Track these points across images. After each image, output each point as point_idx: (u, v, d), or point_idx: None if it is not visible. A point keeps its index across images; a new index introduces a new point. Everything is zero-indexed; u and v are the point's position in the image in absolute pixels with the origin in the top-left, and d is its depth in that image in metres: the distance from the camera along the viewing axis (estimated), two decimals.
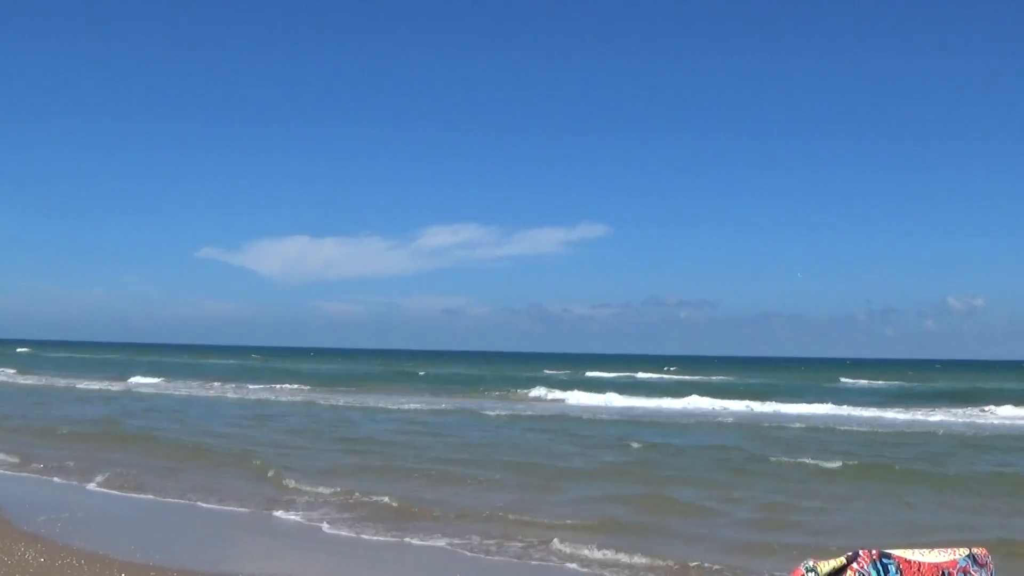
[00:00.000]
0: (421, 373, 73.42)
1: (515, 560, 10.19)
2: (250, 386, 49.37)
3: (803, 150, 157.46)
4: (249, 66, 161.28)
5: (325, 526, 11.84)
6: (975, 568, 2.93)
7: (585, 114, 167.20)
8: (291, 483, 14.78)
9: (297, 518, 12.42)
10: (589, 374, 72.84)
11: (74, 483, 15.06)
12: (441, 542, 10.96)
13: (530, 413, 33.66)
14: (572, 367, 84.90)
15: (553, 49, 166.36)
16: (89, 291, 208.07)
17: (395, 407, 34.49)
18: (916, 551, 2.92)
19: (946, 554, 2.93)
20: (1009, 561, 9.40)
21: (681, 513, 13.06)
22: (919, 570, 2.87)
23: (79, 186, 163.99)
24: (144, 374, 57.63)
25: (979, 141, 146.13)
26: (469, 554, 10.41)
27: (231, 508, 13.10)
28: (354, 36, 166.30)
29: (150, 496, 14.03)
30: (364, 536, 11.34)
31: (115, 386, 47.45)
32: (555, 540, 10.76)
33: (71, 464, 16.68)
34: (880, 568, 2.87)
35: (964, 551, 2.95)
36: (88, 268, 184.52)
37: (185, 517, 12.60)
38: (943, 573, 2.88)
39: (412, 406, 34.92)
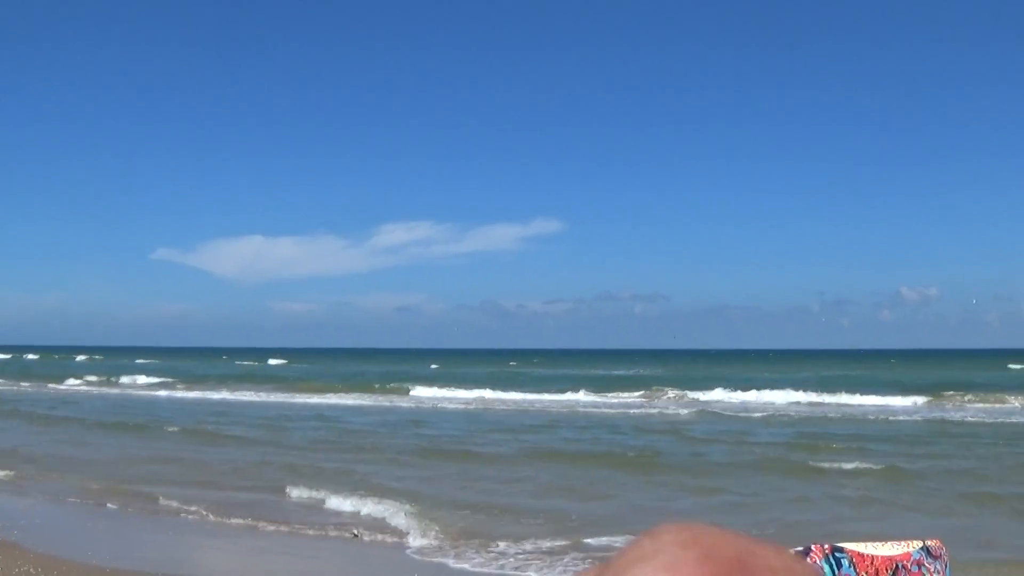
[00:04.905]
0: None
1: None
2: None
3: (755, 143, 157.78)
4: (202, 68, 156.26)
5: None
6: (929, 560, 2.84)
7: (538, 110, 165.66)
8: None
9: None
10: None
11: None
12: None
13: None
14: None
15: (507, 46, 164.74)
16: (45, 296, 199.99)
17: None
18: (869, 544, 2.82)
19: (900, 546, 2.84)
20: None
21: None
22: (872, 563, 2.78)
23: (32, 189, 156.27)
24: None
25: (931, 132, 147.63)
26: None
27: None
28: (308, 36, 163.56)
29: None
30: None
31: None
32: None
33: None
34: (833, 562, 2.76)
35: (918, 543, 2.86)
36: (44, 272, 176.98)
37: None
38: (897, 566, 2.79)
39: None
